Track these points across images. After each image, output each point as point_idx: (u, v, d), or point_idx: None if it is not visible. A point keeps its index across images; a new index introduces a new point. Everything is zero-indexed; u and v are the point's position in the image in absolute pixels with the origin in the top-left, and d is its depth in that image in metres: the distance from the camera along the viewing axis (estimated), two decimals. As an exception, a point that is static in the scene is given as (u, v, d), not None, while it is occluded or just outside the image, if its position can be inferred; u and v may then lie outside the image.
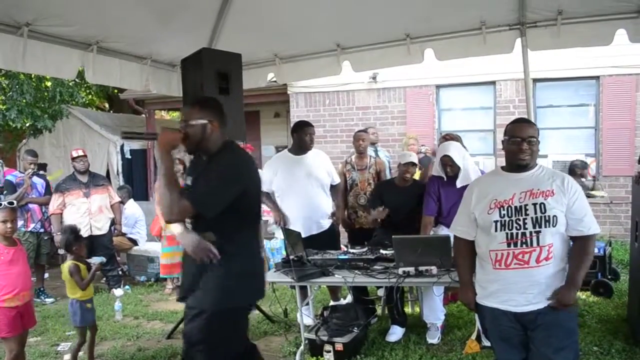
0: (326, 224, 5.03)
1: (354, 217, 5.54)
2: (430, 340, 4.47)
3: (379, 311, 5.14)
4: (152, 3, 4.12)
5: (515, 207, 2.65)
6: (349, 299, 5.34)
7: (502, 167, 2.86)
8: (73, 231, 4.47)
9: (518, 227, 2.62)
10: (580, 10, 4.21)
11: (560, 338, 2.62)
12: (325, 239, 4.90)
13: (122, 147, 10.70)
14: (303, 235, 4.42)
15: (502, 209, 2.67)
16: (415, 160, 4.99)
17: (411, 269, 3.76)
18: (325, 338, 4.21)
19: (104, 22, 4.17)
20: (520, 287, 2.62)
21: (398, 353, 4.28)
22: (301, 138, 4.97)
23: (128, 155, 10.79)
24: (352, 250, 4.52)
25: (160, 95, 5.87)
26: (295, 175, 4.91)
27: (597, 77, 8.53)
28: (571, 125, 8.85)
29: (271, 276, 4.34)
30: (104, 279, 7.14)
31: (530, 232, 2.60)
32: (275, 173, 4.96)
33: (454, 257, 3.07)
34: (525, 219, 2.62)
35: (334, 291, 5.44)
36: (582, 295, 5.64)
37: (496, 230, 2.67)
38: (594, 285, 5.68)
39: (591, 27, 4.28)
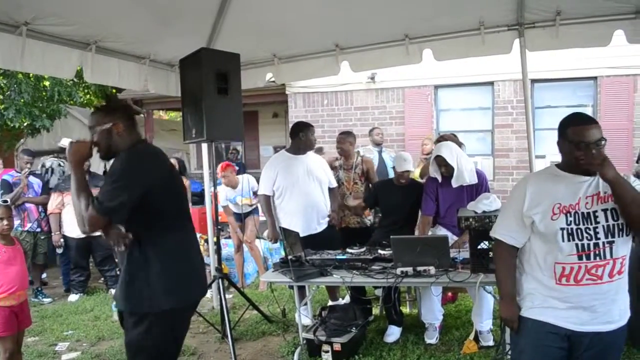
0: (324, 223, 5.04)
1: (341, 215, 5.53)
2: (428, 341, 4.47)
3: (376, 311, 5.15)
4: (151, 3, 4.12)
5: (583, 213, 2.31)
6: (347, 299, 5.35)
7: (558, 166, 2.47)
8: None
9: (589, 237, 2.29)
10: (578, 11, 4.22)
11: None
12: (324, 239, 4.91)
13: (120, 146, 10.70)
14: (302, 234, 4.43)
15: (568, 215, 2.32)
16: (409, 167, 4.93)
17: (409, 269, 3.76)
18: (323, 338, 4.21)
19: (102, 21, 4.18)
20: (588, 304, 2.31)
21: (396, 353, 4.28)
22: (308, 137, 4.98)
23: (126, 155, 10.78)
24: (350, 251, 4.52)
25: (159, 95, 5.89)
26: (295, 174, 4.92)
27: (594, 78, 8.57)
28: (569, 126, 8.85)
29: (269, 276, 4.35)
30: (102, 279, 7.14)
31: (604, 243, 2.28)
32: (275, 173, 4.96)
33: (495, 267, 2.70)
34: (597, 227, 2.29)
35: (333, 291, 5.44)
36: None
37: (563, 240, 2.32)
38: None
39: (589, 27, 4.29)
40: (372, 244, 4.68)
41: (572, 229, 2.31)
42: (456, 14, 4.44)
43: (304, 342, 4.32)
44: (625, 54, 7.42)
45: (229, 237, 7.18)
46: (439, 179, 4.55)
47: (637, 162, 5.45)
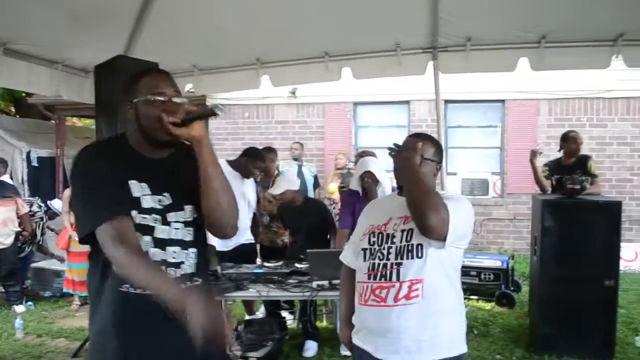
0: (243, 239, 5.03)
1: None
2: (343, 353, 4.49)
3: (292, 325, 5.17)
4: (66, 5, 3.96)
5: (387, 234, 2.22)
6: (262, 311, 5.35)
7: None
8: None
9: (381, 257, 2.19)
10: (487, 38, 4.47)
11: None
12: (242, 254, 4.89)
13: (28, 154, 10.14)
14: (218, 249, 4.39)
15: (372, 235, 2.27)
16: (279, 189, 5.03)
17: (325, 283, 3.82)
18: (239, 353, 4.17)
19: (11, 22, 3.96)
20: (377, 329, 2.18)
21: (312, 366, 4.31)
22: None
23: (35, 163, 10.22)
24: (267, 265, 4.53)
25: (72, 101, 5.64)
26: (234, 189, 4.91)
27: (502, 101, 9.09)
28: (479, 145, 9.35)
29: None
30: (4, 293, 6.71)
31: (392, 264, 2.15)
32: None
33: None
34: (390, 247, 2.18)
35: (249, 305, 5.40)
36: (486, 306, 5.93)
37: (364, 260, 2.27)
38: (498, 296, 6.01)
39: (497, 54, 4.54)
40: (289, 258, 4.72)
41: (373, 249, 2.24)
42: (374, 35, 4.57)
43: (219, 357, 4.26)
44: (530, 79, 7.92)
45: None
46: (361, 192, 4.61)
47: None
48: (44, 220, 7.44)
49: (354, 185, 4.69)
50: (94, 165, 1.80)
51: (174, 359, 1.79)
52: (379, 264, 2.19)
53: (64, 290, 6.66)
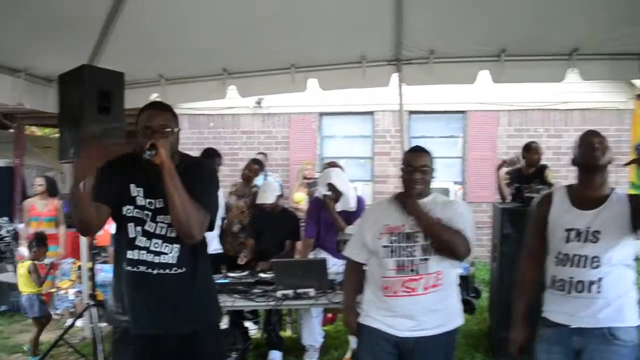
0: (210, 250, 4.99)
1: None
2: (308, 361, 4.56)
3: (257, 335, 5.16)
4: (29, 14, 3.91)
5: (407, 234, 2.62)
6: (226, 321, 5.32)
7: (398, 194, 2.79)
8: (37, 236, 5.27)
9: (407, 255, 2.60)
10: (449, 51, 4.60)
11: None
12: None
13: (-17, 164, 9.85)
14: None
15: (392, 234, 2.64)
16: (267, 199, 4.90)
17: (290, 292, 3.85)
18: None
19: (-29, 30, 3.90)
20: (408, 314, 2.59)
21: (277, 376, 4.31)
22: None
23: (-9, 173, 9.94)
24: (231, 275, 4.53)
25: (33, 109, 5.54)
26: None
27: (464, 112, 9.30)
28: (442, 155, 9.53)
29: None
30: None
31: (419, 260, 2.58)
32: None
33: (343, 279, 3.07)
34: (414, 246, 2.59)
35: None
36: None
37: (386, 257, 2.63)
38: (459, 303, 6.12)
39: (458, 67, 4.70)
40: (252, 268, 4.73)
41: (394, 247, 2.63)
42: (340, 48, 4.65)
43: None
44: (490, 91, 8.15)
45: (105, 262, 6.82)
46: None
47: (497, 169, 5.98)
48: (11, 245, 7.27)
49: (319, 193, 4.74)
50: (106, 170, 2.32)
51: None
52: (405, 261, 2.60)
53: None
